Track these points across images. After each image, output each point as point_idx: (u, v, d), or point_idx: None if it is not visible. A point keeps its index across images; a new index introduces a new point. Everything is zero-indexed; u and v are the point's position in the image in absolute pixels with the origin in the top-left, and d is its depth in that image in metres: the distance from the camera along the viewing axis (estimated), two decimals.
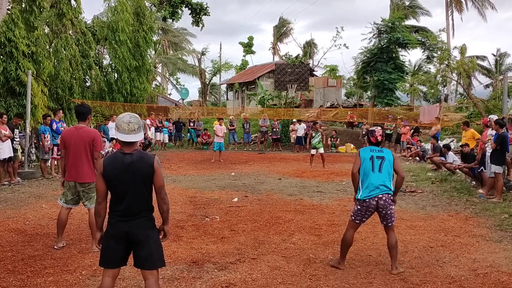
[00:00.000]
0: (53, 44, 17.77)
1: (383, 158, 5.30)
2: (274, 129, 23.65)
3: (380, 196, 5.21)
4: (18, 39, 13.75)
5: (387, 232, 5.43)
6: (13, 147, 11.70)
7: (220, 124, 18.38)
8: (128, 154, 3.74)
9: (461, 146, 12.32)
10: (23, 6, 15.65)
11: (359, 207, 5.34)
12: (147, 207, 3.79)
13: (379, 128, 5.61)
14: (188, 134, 24.60)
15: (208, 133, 23.93)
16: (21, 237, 6.57)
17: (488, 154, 10.02)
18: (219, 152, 17.98)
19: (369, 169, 5.28)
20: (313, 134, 15.90)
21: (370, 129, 5.67)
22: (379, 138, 5.44)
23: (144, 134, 19.97)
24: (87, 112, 6.09)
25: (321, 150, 15.82)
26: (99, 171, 3.81)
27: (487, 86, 42.23)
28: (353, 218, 5.45)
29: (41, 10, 15.99)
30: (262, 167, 16.01)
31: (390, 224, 5.35)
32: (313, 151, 15.90)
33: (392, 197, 5.32)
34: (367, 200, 5.24)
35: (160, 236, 3.91)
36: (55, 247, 6.04)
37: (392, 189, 5.32)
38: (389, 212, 5.28)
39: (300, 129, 22.56)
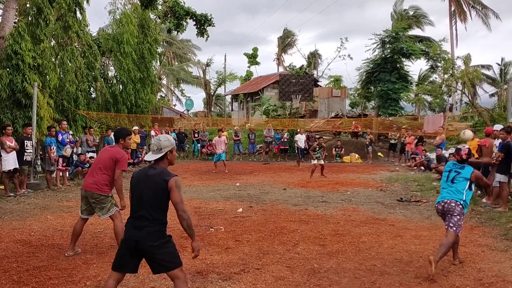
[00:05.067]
0: (59, 57, 17.89)
1: (459, 173, 5.79)
2: (283, 140, 23.62)
3: (446, 200, 5.74)
4: (24, 51, 13.89)
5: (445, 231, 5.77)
6: (24, 159, 11.74)
7: (219, 137, 18.35)
8: (153, 168, 4.13)
9: None
10: (30, 19, 15.77)
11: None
12: (158, 221, 3.97)
13: (466, 147, 6.01)
14: (193, 145, 24.62)
15: (213, 144, 23.85)
16: (26, 248, 6.60)
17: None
18: (224, 162, 18.01)
19: (444, 179, 5.98)
20: (317, 148, 16.00)
21: (458, 147, 6.14)
22: (464, 157, 5.88)
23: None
24: (119, 136, 6.39)
25: (321, 161, 16.04)
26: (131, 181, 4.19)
27: (492, 95, 42.19)
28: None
29: (47, 23, 16.11)
30: (267, 177, 16.01)
31: (447, 227, 5.71)
32: (313, 162, 15.97)
33: (461, 205, 5.64)
34: (436, 205, 5.95)
35: (192, 255, 4.18)
36: (65, 254, 6.22)
37: (463, 199, 5.67)
38: (450, 216, 5.67)
39: (301, 140, 21.66)
